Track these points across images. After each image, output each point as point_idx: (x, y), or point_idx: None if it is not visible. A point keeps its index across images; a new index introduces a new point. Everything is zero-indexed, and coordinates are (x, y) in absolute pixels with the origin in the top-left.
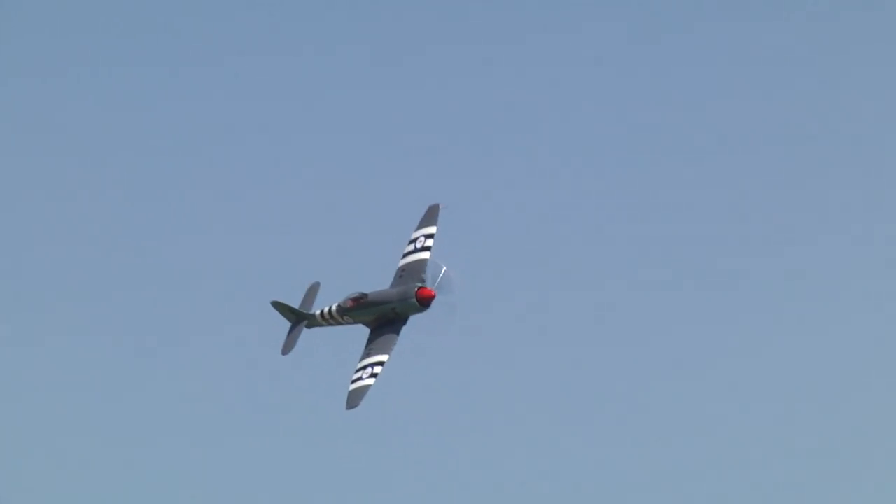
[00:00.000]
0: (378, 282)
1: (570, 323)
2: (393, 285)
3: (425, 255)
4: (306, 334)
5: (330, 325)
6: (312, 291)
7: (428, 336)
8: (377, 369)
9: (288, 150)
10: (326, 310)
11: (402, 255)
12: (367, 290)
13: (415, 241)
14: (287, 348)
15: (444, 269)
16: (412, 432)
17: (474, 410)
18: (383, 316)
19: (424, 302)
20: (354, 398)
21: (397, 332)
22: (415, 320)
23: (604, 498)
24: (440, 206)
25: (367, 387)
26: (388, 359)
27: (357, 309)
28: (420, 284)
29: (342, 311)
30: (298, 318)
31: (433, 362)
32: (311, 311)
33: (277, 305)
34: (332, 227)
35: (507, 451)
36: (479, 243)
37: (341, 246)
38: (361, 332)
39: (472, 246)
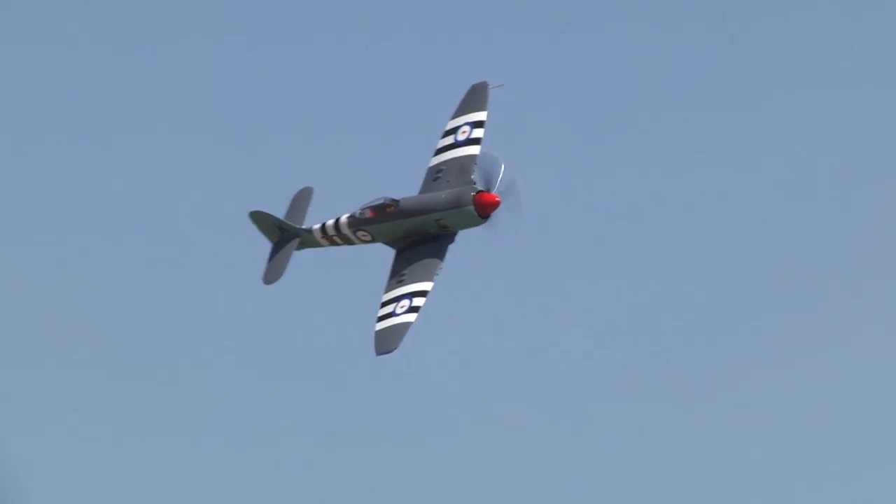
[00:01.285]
0: (398, 188)
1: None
2: (426, 190)
3: (473, 149)
4: (297, 258)
5: (334, 244)
6: (301, 200)
7: (485, 256)
8: (418, 301)
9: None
10: (331, 223)
11: (434, 152)
12: (393, 196)
13: (454, 131)
14: (272, 275)
15: (504, 165)
16: (466, 386)
17: (540, 355)
18: (420, 231)
19: (487, 210)
20: (388, 339)
21: (442, 254)
22: (464, 238)
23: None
24: (490, 86)
25: (407, 324)
26: (433, 288)
27: (381, 221)
28: (478, 188)
29: (357, 223)
30: (286, 235)
31: (491, 293)
32: (305, 226)
33: (258, 218)
34: (331, 115)
35: (585, 411)
36: (543, 137)
37: (342, 142)
38: (377, 254)
39: (534, 141)
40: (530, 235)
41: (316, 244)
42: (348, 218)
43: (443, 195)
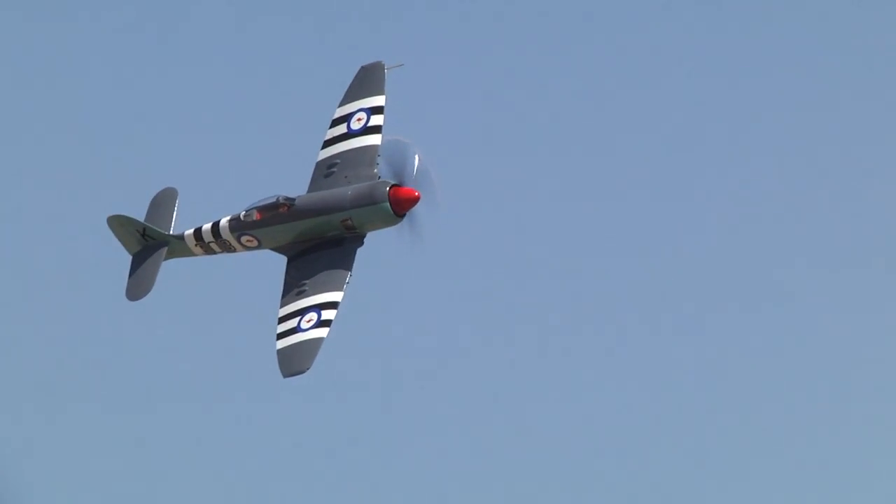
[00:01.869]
0: (279, 186)
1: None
2: (319, 187)
3: (373, 138)
4: (165, 269)
5: (210, 252)
6: (164, 203)
7: (400, 259)
8: (328, 314)
9: None
10: (208, 228)
11: (322, 144)
12: (286, 194)
13: (346, 119)
14: (138, 289)
15: (418, 154)
16: (385, 406)
17: (468, 373)
18: (318, 234)
19: (405, 206)
20: (297, 359)
21: (349, 260)
22: (374, 239)
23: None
24: (386, 66)
25: (319, 340)
26: (342, 298)
27: (271, 224)
28: (391, 182)
29: (242, 226)
30: (150, 244)
31: (408, 301)
32: (174, 233)
33: (117, 223)
34: (195, 106)
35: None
36: (447, 122)
37: (208, 137)
38: (261, 262)
39: (439, 127)
40: (451, 233)
41: (187, 253)
42: (230, 221)
43: (348, 191)
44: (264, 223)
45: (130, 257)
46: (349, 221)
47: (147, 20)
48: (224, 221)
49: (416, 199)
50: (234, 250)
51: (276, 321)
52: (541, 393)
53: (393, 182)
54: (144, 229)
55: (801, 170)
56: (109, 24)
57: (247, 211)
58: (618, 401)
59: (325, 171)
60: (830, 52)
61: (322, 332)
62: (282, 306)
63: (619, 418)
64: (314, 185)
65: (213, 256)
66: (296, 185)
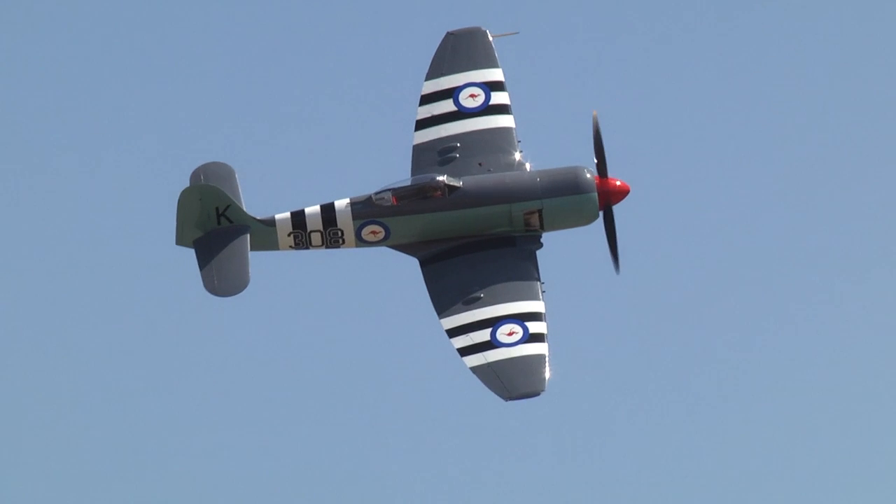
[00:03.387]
0: (345, 181)
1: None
2: (423, 172)
3: (503, 119)
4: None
5: (302, 246)
6: (223, 182)
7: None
8: (536, 327)
9: None
10: (315, 211)
11: (417, 124)
12: (428, 175)
13: (449, 95)
14: (228, 283)
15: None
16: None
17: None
18: (481, 229)
19: (614, 200)
20: (524, 378)
21: (531, 263)
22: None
23: None
24: (491, 35)
25: (540, 357)
26: (545, 308)
27: (412, 212)
28: (590, 169)
29: (370, 213)
30: (220, 230)
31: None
32: (260, 216)
33: (196, 196)
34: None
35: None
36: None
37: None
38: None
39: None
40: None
41: (270, 244)
42: (352, 205)
43: (536, 177)
44: (403, 210)
45: (178, 246)
46: (536, 215)
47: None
48: (343, 204)
49: (626, 193)
50: (340, 245)
51: (447, 335)
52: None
53: (589, 170)
54: (227, 207)
55: None
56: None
57: (378, 193)
58: None
59: (440, 157)
60: None
61: (540, 349)
62: (444, 317)
63: None
64: (423, 170)
65: (301, 252)
66: (375, 176)
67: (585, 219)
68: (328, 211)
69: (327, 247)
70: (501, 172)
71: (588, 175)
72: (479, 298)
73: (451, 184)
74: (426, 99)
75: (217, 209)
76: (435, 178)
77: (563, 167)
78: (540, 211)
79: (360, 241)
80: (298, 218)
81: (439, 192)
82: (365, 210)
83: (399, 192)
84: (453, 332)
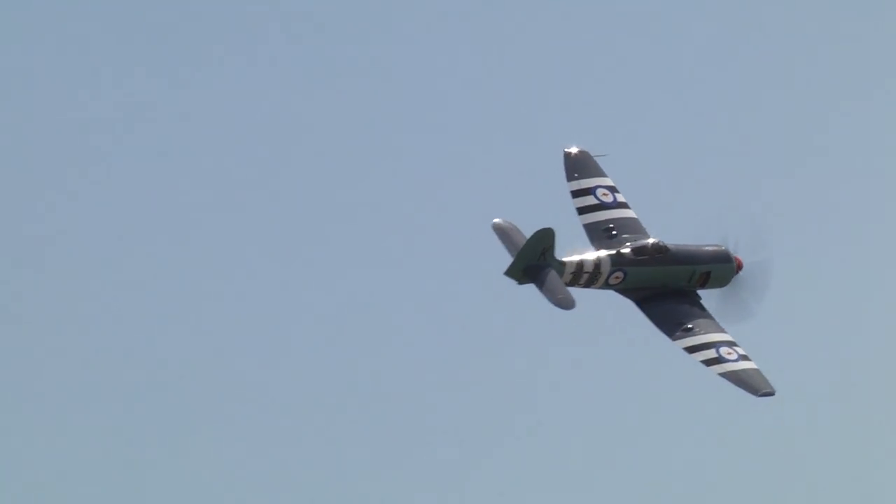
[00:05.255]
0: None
1: None
2: (601, 242)
3: (629, 211)
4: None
5: (572, 283)
6: (512, 235)
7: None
8: (740, 350)
9: None
10: (590, 260)
11: (578, 210)
12: (648, 238)
13: (589, 192)
14: (568, 298)
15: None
16: None
17: None
18: (669, 282)
19: (738, 271)
20: (761, 382)
21: (701, 306)
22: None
23: None
24: (592, 154)
25: (758, 370)
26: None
27: (642, 265)
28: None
29: (622, 262)
30: (536, 265)
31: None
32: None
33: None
34: None
35: None
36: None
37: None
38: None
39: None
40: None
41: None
42: (612, 255)
43: (705, 248)
44: (639, 262)
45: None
46: (707, 274)
47: None
48: (605, 255)
49: (742, 267)
50: (593, 286)
51: (686, 351)
52: None
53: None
54: (546, 251)
55: None
56: None
57: (628, 248)
58: None
59: (605, 234)
60: None
61: (754, 364)
62: (676, 340)
63: None
64: (598, 243)
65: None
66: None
67: (728, 281)
68: (597, 260)
69: (584, 286)
70: (685, 243)
71: (727, 250)
72: (691, 329)
73: (658, 248)
74: (575, 194)
75: (544, 250)
76: (657, 240)
77: (713, 243)
78: (710, 273)
79: (605, 284)
80: (579, 264)
81: (662, 253)
82: (620, 260)
83: (636, 249)
84: (691, 350)
